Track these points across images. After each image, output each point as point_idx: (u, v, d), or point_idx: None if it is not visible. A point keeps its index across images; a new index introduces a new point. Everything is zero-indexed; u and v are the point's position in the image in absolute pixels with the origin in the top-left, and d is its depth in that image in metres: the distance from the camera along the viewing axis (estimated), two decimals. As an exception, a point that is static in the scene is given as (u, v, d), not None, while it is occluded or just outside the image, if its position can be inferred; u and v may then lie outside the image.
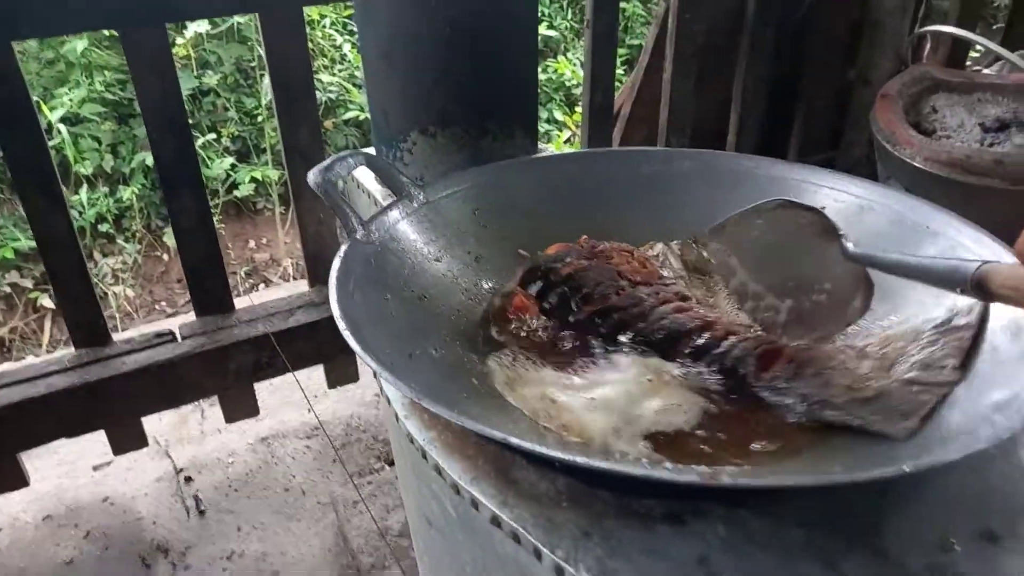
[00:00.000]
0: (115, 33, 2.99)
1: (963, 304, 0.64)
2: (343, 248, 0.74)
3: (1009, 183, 1.39)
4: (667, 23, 1.60)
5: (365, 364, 0.56)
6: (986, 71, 1.92)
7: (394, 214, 0.83)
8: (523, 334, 0.77)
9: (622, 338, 0.73)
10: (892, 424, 0.56)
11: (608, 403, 0.67)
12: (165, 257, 2.99)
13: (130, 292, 2.89)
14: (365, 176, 1.06)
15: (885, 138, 1.53)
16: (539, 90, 3.87)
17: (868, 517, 0.50)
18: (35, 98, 2.84)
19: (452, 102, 0.96)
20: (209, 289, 1.36)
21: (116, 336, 1.33)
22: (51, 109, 2.91)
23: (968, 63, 2.08)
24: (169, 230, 2.95)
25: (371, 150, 1.10)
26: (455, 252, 0.85)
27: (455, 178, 0.91)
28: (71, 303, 1.26)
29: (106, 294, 2.87)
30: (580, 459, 0.46)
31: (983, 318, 0.62)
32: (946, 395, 0.58)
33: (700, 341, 0.69)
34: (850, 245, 0.65)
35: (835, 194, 0.87)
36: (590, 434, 0.64)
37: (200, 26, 3.14)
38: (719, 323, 0.72)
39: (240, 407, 1.48)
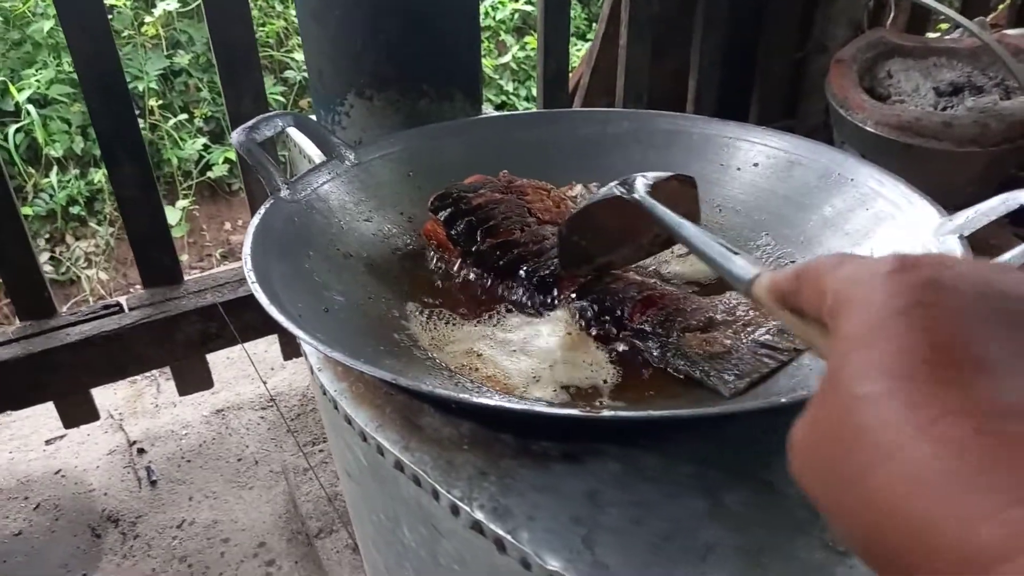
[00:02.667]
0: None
1: None
2: (264, 206, 0.74)
3: (957, 145, 1.40)
4: (621, -11, 1.59)
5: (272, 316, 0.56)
6: (946, 37, 1.92)
7: (322, 174, 0.82)
8: (446, 284, 0.78)
9: (520, 272, 0.75)
10: (724, 381, 0.59)
11: (529, 355, 0.68)
12: (137, 240, 2.96)
13: (103, 275, 2.86)
14: (305, 140, 1.05)
15: (838, 103, 1.54)
16: (517, 66, 3.82)
17: (756, 453, 0.50)
18: (2, 79, 2.81)
19: (384, 64, 0.95)
20: (156, 260, 1.34)
21: (64, 307, 1.31)
22: (19, 90, 2.86)
23: (941, 32, 2.09)
24: (142, 212, 2.91)
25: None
26: (386, 213, 0.85)
27: (388, 140, 0.90)
28: (14, 275, 1.24)
29: (79, 277, 2.84)
30: (441, 391, 0.46)
31: None
32: (788, 362, 0.60)
33: (584, 282, 0.71)
34: (637, 195, 0.64)
35: (766, 150, 0.88)
36: (514, 384, 0.65)
37: (170, 4, 3.08)
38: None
39: (193, 379, 1.47)
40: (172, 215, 2.96)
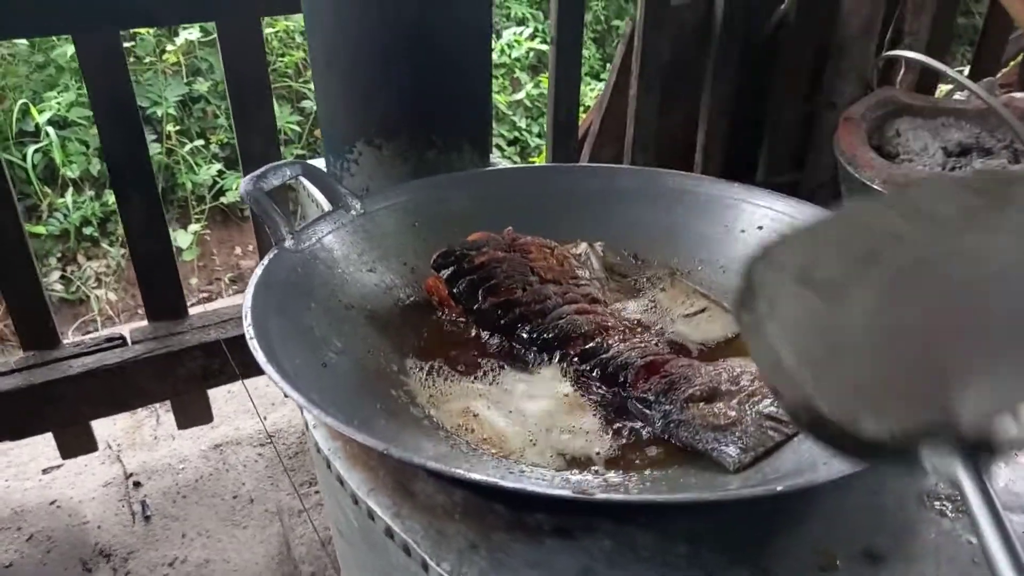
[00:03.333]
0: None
1: None
2: (268, 255, 0.74)
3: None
4: (633, 42, 1.61)
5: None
6: (955, 97, 1.94)
7: (327, 224, 0.83)
8: (447, 338, 0.78)
9: (522, 333, 0.74)
10: (728, 455, 0.58)
11: (526, 417, 0.68)
12: (150, 262, 2.98)
13: (112, 296, 2.88)
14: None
15: (847, 160, 1.54)
16: (531, 103, 3.85)
17: (754, 535, 0.50)
18: (24, 101, 2.86)
19: (395, 113, 0.97)
20: (161, 294, 1.35)
21: (68, 340, 1.32)
22: (40, 112, 2.91)
23: (950, 91, 2.10)
24: (154, 236, 2.94)
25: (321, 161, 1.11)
26: (390, 263, 0.85)
27: (394, 190, 0.91)
28: (19, 303, 1.25)
29: (88, 297, 2.86)
30: (432, 465, 0.46)
31: None
32: (793, 435, 0.59)
33: (590, 344, 0.70)
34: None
35: (770, 213, 0.88)
36: (509, 448, 0.64)
37: (192, 33, 3.15)
38: (615, 329, 0.73)
39: (193, 413, 1.46)
40: (184, 239, 2.99)
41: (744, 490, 0.43)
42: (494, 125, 3.92)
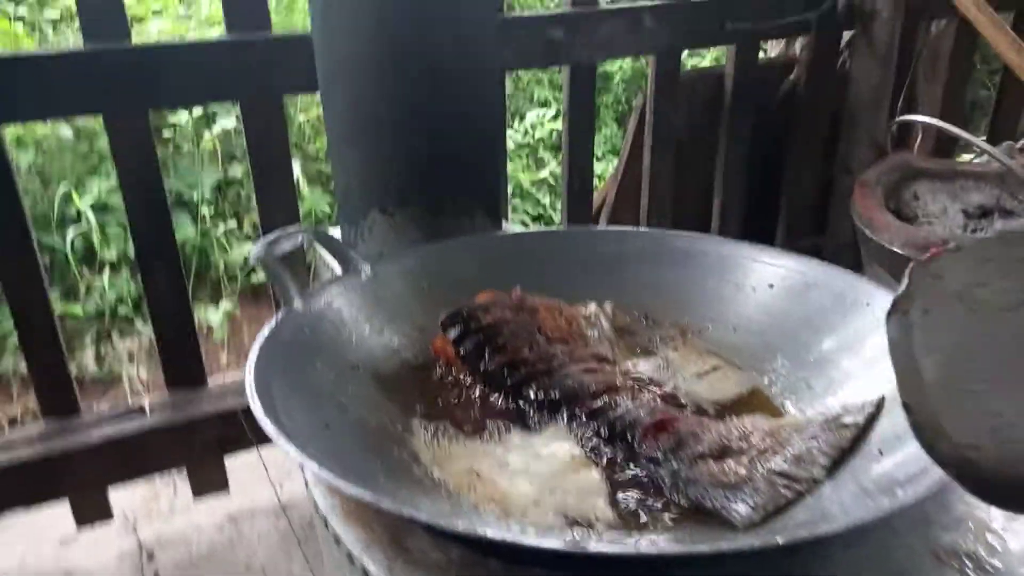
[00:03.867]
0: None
1: (854, 402, 0.65)
2: (276, 317, 0.75)
3: (986, 269, 1.38)
4: (645, 113, 1.65)
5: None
6: (974, 161, 1.94)
7: (337, 287, 0.84)
8: (453, 399, 0.77)
9: (529, 393, 0.74)
10: (737, 512, 0.56)
11: (530, 477, 0.67)
12: (180, 339, 3.03)
13: (143, 373, 2.92)
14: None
15: (864, 224, 1.54)
16: (555, 181, 3.92)
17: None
18: (67, 187, 3.00)
19: (408, 183, 0.99)
20: (181, 364, 1.37)
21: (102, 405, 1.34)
22: (81, 197, 3.04)
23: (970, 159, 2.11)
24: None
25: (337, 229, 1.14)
26: (399, 325, 0.86)
27: (405, 254, 0.92)
28: (42, 373, 1.28)
29: (119, 375, 2.90)
30: (422, 516, 0.45)
31: (869, 421, 0.62)
32: (805, 492, 0.57)
33: (597, 403, 0.69)
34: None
35: (781, 271, 0.87)
36: (511, 508, 0.63)
37: (228, 122, 3.29)
38: (623, 387, 0.72)
39: (209, 482, 1.46)
40: (214, 316, 3.05)
41: (742, 542, 0.42)
42: (519, 202, 4.00)
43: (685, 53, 1.83)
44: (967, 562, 0.50)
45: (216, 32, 3.29)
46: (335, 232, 1.10)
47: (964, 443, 0.36)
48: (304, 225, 1.20)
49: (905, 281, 0.37)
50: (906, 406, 0.38)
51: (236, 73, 1.26)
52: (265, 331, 0.72)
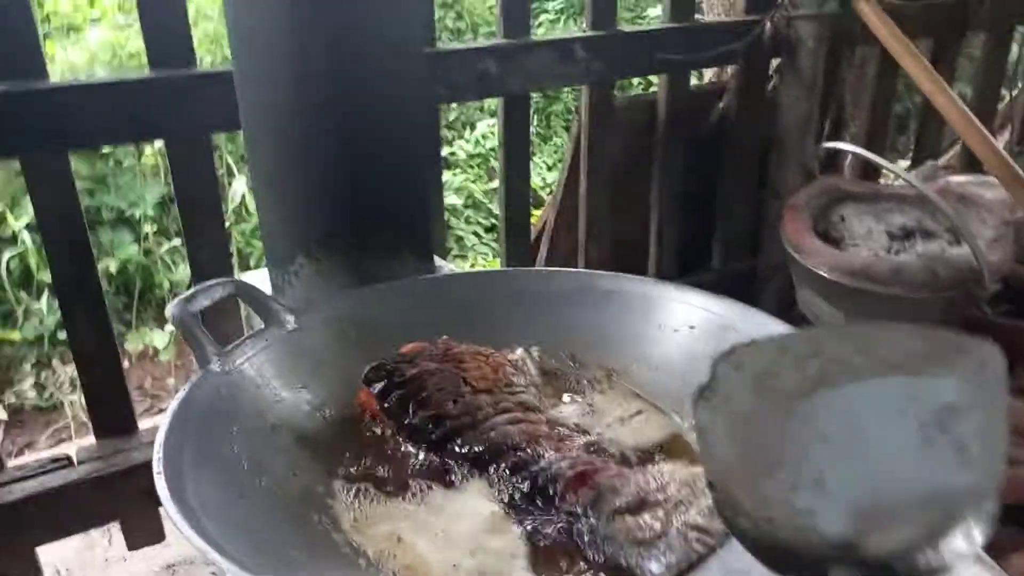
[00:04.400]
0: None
1: None
2: (190, 382, 0.74)
3: (909, 290, 1.43)
4: (580, 140, 1.66)
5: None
6: (897, 183, 2.00)
7: (258, 342, 0.83)
8: (377, 456, 0.76)
9: (454, 447, 0.73)
10: (650, 571, 0.57)
11: (451, 539, 0.66)
12: (126, 364, 2.94)
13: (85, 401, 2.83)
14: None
15: (793, 248, 1.58)
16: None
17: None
18: (1, 208, 2.89)
19: (332, 227, 0.98)
20: (110, 411, 1.33)
21: (12, 462, 1.29)
22: (16, 218, 2.94)
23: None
24: (130, 335, 2.93)
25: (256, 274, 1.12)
26: (323, 378, 0.85)
27: (329, 302, 0.91)
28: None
29: (61, 403, 2.81)
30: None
31: None
32: (718, 546, 0.58)
33: (519, 456, 0.70)
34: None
35: (703, 313, 0.89)
36: (432, 574, 0.63)
37: (170, 136, 3.21)
38: (548, 437, 0.73)
39: (143, 533, 1.41)
40: (160, 339, 2.97)
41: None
42: (471, 213, 4.01)
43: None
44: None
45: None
46: (262, 278, 1.08)
47: (760, 517, 0.40)
48: (226, 275, 1.17)
49: (711, 371, 0.40)
50: (710, 484, 0.41)
51: (159, 110, 1.23)
52: (178, 397, 0.70)
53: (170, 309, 0.78)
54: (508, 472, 0.71)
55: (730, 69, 1.89)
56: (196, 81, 1.24)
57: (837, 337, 0.41)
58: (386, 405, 0.79)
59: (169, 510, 0.54)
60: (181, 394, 0.71)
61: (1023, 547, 1.18)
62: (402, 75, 0.99)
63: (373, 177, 0.99)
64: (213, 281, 0.84)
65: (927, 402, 0.39)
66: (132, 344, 2.94)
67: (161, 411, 2.73)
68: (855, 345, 0.40)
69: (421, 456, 0.76)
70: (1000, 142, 2.31)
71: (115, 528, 1.56)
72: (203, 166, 1.29)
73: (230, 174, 3.34)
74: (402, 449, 0.77)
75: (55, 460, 1.28)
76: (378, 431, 0.80)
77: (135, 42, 3.45)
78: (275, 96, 0.94)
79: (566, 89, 4.51)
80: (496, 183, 4.07)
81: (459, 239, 3.80)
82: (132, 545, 1.42)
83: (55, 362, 2.98)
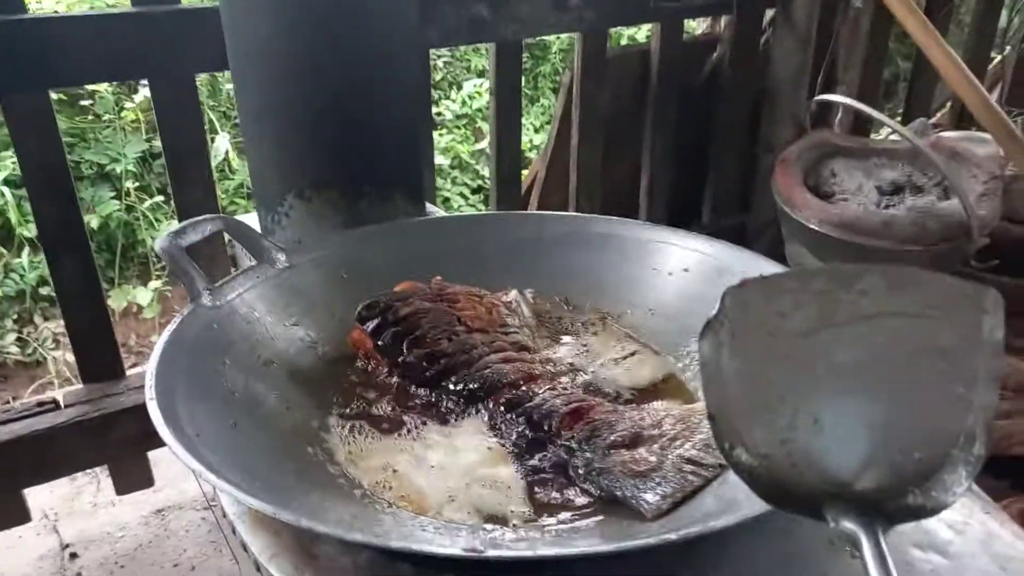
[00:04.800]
0: (64, 96, 2.99)
1: None
2: (181, 314, 0.73)
3: (898, 243, 1.43)
4: (572, 92, 1.64)
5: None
6: (889, 138, 2.00)
7: (249, 278, 0.81)
8: (370, 393, 0.76)
9: (448, 384, 0.73)
10: (646, 502, 0.58)
11: (447, 472, 0.66)
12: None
13: (70, 357, 2.81)
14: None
15: (784, 201, 1.58)
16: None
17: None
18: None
19: (325, 166, 0.97)
20: (97, 356, 1.31)
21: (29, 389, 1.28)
22: (-5, 173, 2.88)
23: (889, 133, 2.17)
24: (113, 293, 2.90)
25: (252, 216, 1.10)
26: (315, 316, 0.84)
27: (321, 242, 0.90)
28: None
29: (45, 359, 2.78)
30: (321, 528, 0.44)
31: None
32: (714, 478, 0.59)
33: (515, 393, 0.70)
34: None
35: (696, 255, 0.88)
36: (427, 504, 0.63)
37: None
38: (542, 376, 0.73)
39: (132, 478, 1.41)
40: (144, 296, 2.94)
41: (638, 541, 0.42)
42: (458, 174, 3.97)
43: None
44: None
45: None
46: (252, 219, 1.07)
47: (758, 452, 0.41)
48: (215, 213, 1.15)
49: (718, 305, 0.41)
50: (711, 416, 0.42)
51: (143, 49, 1.19)
52: (169, 329, 0.70)
53: (159, 243, 0.77)
54: (503, 409, 0.71)
55: (723, 20, 1.86)
56: (181, 16, 1.21)
57: (844, 277, 0.41)
58: (380, 343, 0.79)
59: (163, 435, 0.53)
60: (172, 325, 0.70)
61: (1002, 500, 1.21)
62: (394, 17, 0.96)
63: (366, 120, 0.97)
64: (202, 217, 0.82)
65: (925, 345, 0.40)
66: (116, 301, 2.91)
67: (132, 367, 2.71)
68: (861, 285, 0.40)
69: (415, 393, 0.76)
70: (990, 102, 2.31)
71: (103, 474, 1.56)
72: (188, 107, 1.26)
73: (212, 131, 3.28)
74: (396, 386, 0.77)
75: (41, 404, 1.27)
76: (372, 368, 0.80)
77: None
78: (264, 33, 0.92)
79: (554, 50, 4.46)
80: (483, 144, 4.03)
81: (445, 200, 3.77)
82: (121, 490, 1.42)
83: (36, 318, 2.95)
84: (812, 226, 1.49)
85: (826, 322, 0.40)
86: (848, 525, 0.40)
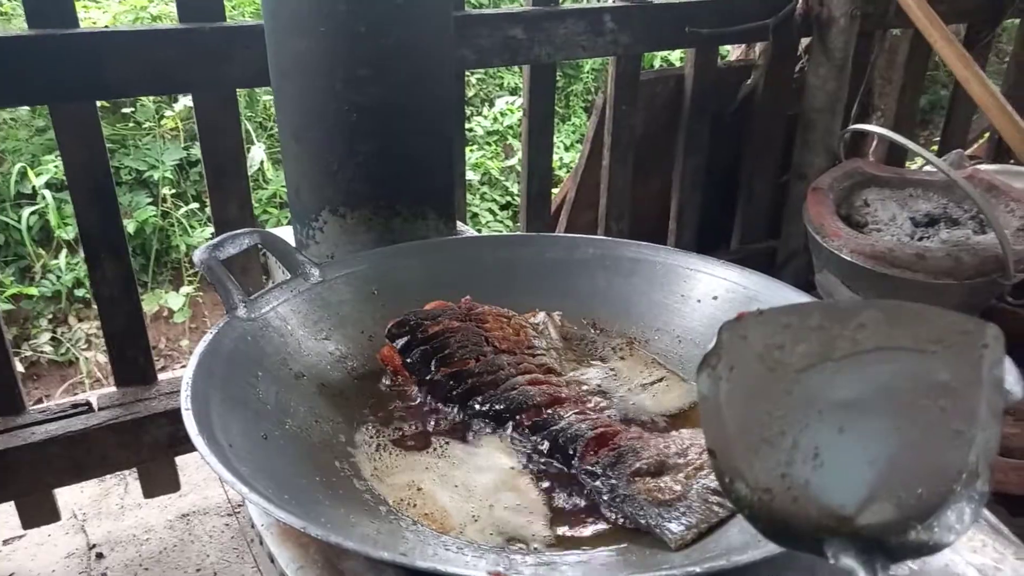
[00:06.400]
0: (106, 104, 3.07)
1: None
2: (217, 325, 0.74)
3: (931, 276, 1.41)
4: (605, 114, 1.65)
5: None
6: (923, 169, 1.98)
7: (283, 292, 0.83)
8: (398, 410, 0.77)
9: (475, 404, 0.74)
10: (670, 531, 0.58)
11: (471, 492, 0.67)
12: (143, 322, 2.98)
13: (102, 358, 2.87)
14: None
15: (815, 230, 1.57)
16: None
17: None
18: (22, 164, 2.91)
19: (359, 183, 0.98)
20: (130, 360, 1.34)
21: (33, 407, 1.31)
22: (37, 175, 2.96)
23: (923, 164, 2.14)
24: (146, 297, 2.95)
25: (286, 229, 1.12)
26: (346, 331, 0.86)
27: (354, 258, 0.92)
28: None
29: (76, 359, 2.85)
30: (350, 544, 0.45)
31: None
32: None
33: (540, 415, 0.70)
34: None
35: (726, 284, 0.88)
36: (451, 523, 0.63)
37: (191, 99, 3.22)
38: (568, 400, 0.73)
39: (160, 482, 1.44)
40: (175, 301, 3.00)
41: (661, 572, 0.42)
42: (488, 190, 4.00)
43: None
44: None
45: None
46: (287, 233, 1.09)
47: (759, 487, 0.41)
48: (252, 225, 1.17)
49: (715, 339, 0.40)
50: (710, 451, 0.41)
51: (187, 63, 1.23)
52: (205, 339, 0.71)
53: (197, 255, 0.79)
54: (528, 431, 0.72)
55: (759, 47, 1.86)
56: (226, 33, 1.24)
57: (842, 312, 0.41)
58: (408, 360, 0.80)
59: (198, 445, 0.55)
60: (208, 336, 0.72)
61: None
62: (431, 37, 0.98)
63: (401, 138, 0.99)
64: (240, 230, 0.84)
65: (925, 380, 0.40)
66: (148, 305, 2.97)
67: (182, 367, 2.76)
68: (860, 320, 0.40)
69: (442, 411, 0.77)
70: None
71: (131, 477, 1.59)
72: (229, 121, 1.29)
73: (248, 141, 3.35)
74: (423, 404, 0.78)
75: (76, 406, 1.30)
76: (400, 385, 0.81)
77: (157, 7, 3.45)
78: (304, 52, 0.94)
79: (586, 69, 4.48)
80: (512, 161, 4.05)
81: (474, 215, 3.80)
82: (148, 493, 1.45)
83: (71, 319, 3.02)
84: (844, 256, 1.47)
85: (825, 357, 0.40)
86: (848, 561, 0.39)
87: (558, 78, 1.68)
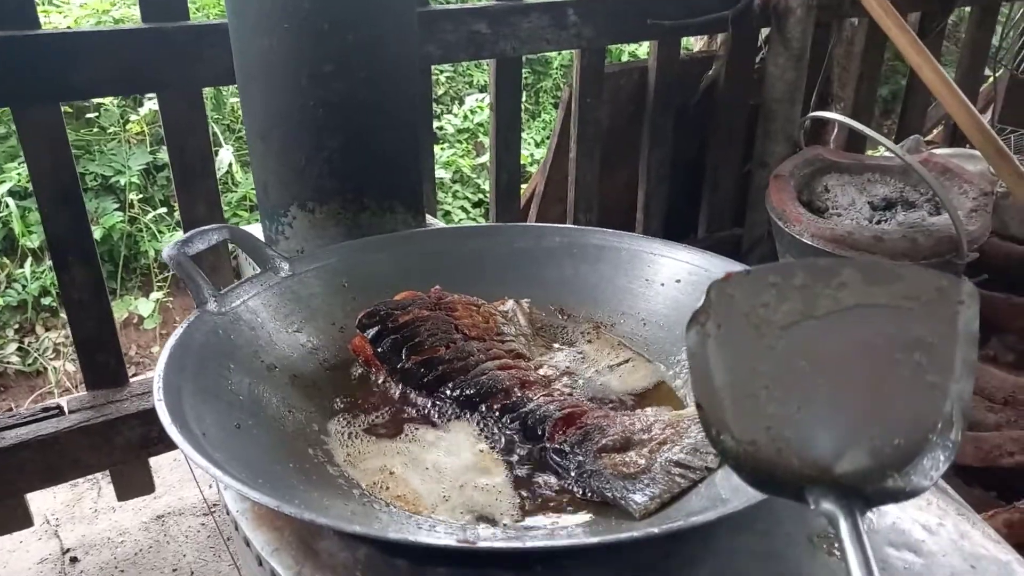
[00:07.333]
0: (69, 109, 3.02)
1: None
2: (188, 319, 0.75)
3: (889, 258, 1.46)
4: (571, 107, 1.67)
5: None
6: (881, 155, 2.03)
7: (253, 286, 0.84)
8: (370, 398, 0.78)
9: (445, 390, 0.76)
10: (634, 502, 0.60)
11: (442, 474, 0.69)
12: (111, 330, 2.94)
13: (70, 367, 2.83)
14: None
15: (777, 216, 1.61)
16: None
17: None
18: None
19: (327, 179, 0.99)
20: (101, 364, 1.34)
21: (2, 412, 1.30)
22: (0, 182, 2.91)
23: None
24: (115, 303, 2.92)
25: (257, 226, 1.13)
26: (317, 323, 0.87)
27: (323, 251, 0.93)
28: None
29: (45, 369, 2.81)
30: (322, 520, 0.46)
31: None
32: (700, 480, 0.61)
33: (510, 399, 0.72)
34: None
35: (688, 267, 0.91)
36: (422, 504, 0.65)
37: (156, 103, 3.19)
38: (536, 383, 0.75)
39: (133, 484, 1.43)
40: (145, 307, 2.97)
41: (622, 534, 0.44)
42: (459, 188, 4.01)
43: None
44: (836, 545, 0.54)
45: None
46: (256, 230, 1.09)
47: (744, 439, 0.43)
48: (221, 223, 1.17)
49: (704, 297, 0.43)
50: (698, 405, 0.44)
51: (153, 64, 1.23)
52: (176, 333, 0.72)
53: (167, 251, 0.80)
54: (498, 414, 0.73)
55: (719, 38, 1.89)
56: (190, 32, 1.24)
57: (824, 271, 0.43)
58: (380, 349, 0.81)
59: (171, 433, 0.56)
60: (179, 330, 0.72)
61: (988, 510, 1.23)
62: (395, 33, 0.99)
63: (367, 131, 1.00)
64: (208, 226, 0.85)
65: (903, 335, 0.42)
66: (117, 312, 2.94)
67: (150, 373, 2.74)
68: (840, 279, 0.42)
69: (413, 398, 0.78)
70: (983, 120, 2.34)
71: (104, 481, 1.58)
72: (195, 120, 1.29)
73: (216, 144, 3.33)
74: (394, 392, 0.79)
75: (46, 410, 1.30)
76: (371, 374, 0.82)
77: (119, 10, 3.40)
78: (268, 50, 0.95)
79: (555, 66, 4.51)
80: (484, 158, 4.06)
81: (447, 213, 3.81)
82: (122, 495, 1.44)
83: (38, 328, 2.97)
84: (805, 240, 1.51)
85: (808, 314, 0.42)
86: (827, 506, 0.41)
87: (527, 75, 1.70)
